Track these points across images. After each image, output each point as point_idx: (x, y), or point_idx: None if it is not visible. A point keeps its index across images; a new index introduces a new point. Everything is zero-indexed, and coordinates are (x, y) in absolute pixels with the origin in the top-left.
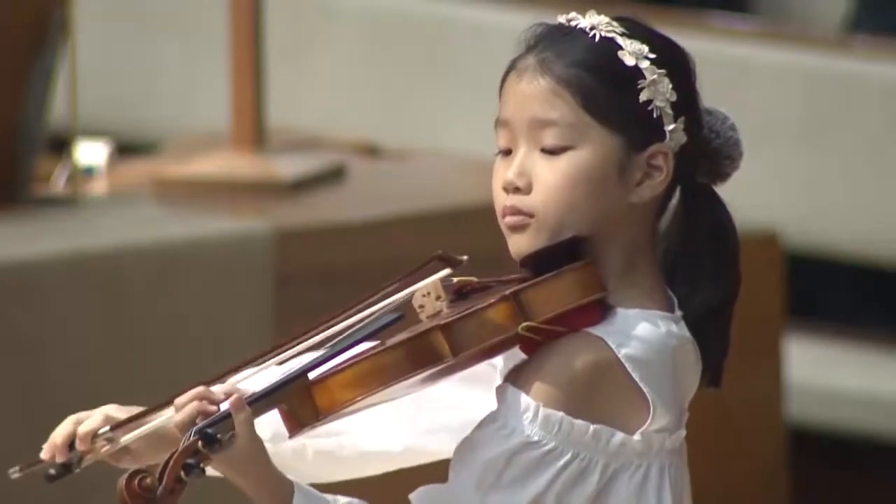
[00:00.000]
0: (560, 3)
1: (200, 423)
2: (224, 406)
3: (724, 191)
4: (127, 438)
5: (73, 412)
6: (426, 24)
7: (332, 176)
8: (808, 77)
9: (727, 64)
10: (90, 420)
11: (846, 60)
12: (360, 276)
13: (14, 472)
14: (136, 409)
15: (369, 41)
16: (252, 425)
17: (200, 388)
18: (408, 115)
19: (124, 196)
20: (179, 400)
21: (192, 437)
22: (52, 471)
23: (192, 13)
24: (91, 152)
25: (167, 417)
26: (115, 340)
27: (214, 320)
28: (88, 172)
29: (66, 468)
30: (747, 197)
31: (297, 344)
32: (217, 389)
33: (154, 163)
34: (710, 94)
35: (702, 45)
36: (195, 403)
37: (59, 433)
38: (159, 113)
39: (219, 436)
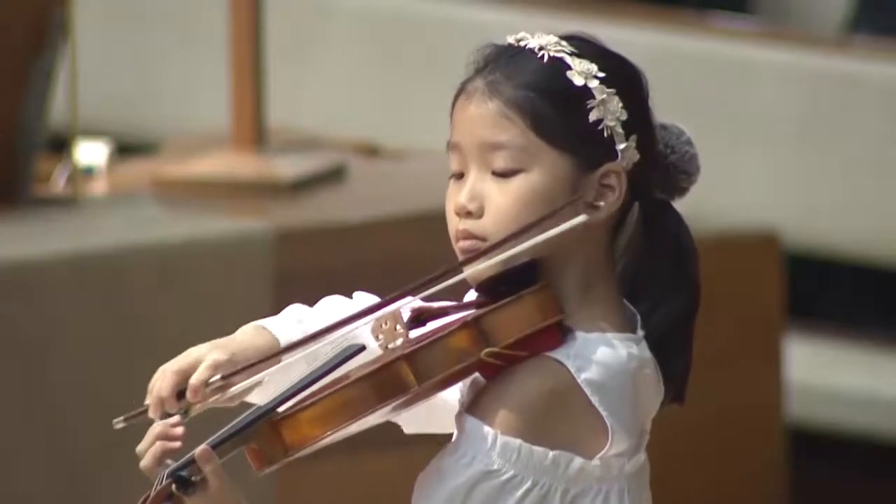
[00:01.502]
0: (559, 3)
1: (173, 466)
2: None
3: (725, 190)
4: (240, 386)
5: (73, 412)
6: (426, 24)
7: (332, 176)
8: (808, 77)
9: (728, 64)
10: (200, 371)
11: (846, 61)
12: (360, 276)
13: (118, 422)
14: (231, 350)
15: (369, 41)
16: (220, 476)
17: (157, 429)
18: (408, 115)
19: (124, 196)
20: (140, 447)
21: (164, 481)
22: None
23: (192, 13)
24: (91, 152)
25: (280, 366)
26: (115, 340)
27: (214, 320)
28: (88, 172)
29: (173, 417)
30: (747, 197)
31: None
32: (173, 421)
33: (154, 163)
34: (711, 95)
35: (702, 45)
36: (158, 444)
37: (165, 388)
38: (159, 113)
39: (193, 478)
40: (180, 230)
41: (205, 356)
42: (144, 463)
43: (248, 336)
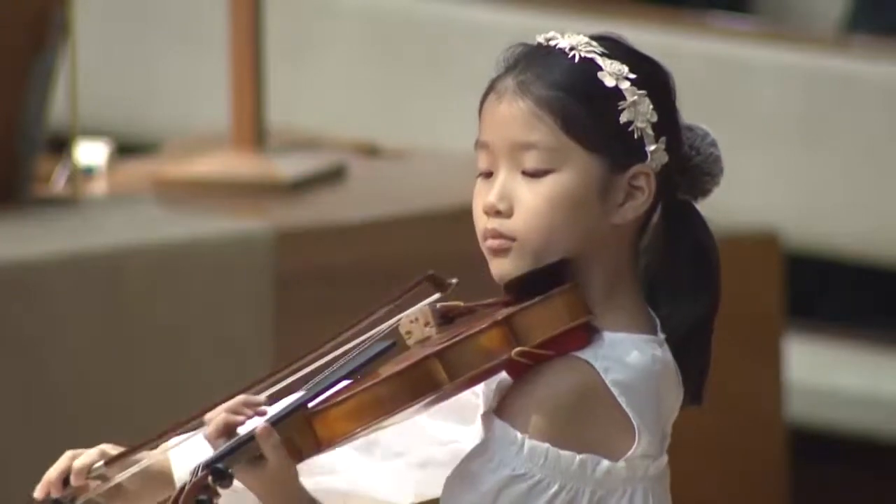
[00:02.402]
0: (560, 3)
1: (208, 458)
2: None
3: (725, 190)
4: (121, 476)
5: (73, 412)
6: (426, 24)
7: (332, 176)
8: (808, 77)
9: (728, 64)
10: (85, 455)
11: (846, 60)
12: (360, 276)
13: None
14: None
15: (369, 41)
16: (281, 448)
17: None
18: (408, 115)
19: (124, 196)
20: (211, 413)
21: (200, 473)
22: None
23: (192, 13)
24: (91, 152)
25: (159, 454)
26: (115, 340)
27: (214, 320)
28: (88, 172)
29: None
30: (747, 197)
31: (291, 372)
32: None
33: (154, 163)
34: (711, 95)
35: (702, 45)
36: (223, 416)
37: (55, 469)
38: (159, 113)
39: (230, 470)
40: (180, 230)
41: (99, 446)
42: (210, 429)
43: None
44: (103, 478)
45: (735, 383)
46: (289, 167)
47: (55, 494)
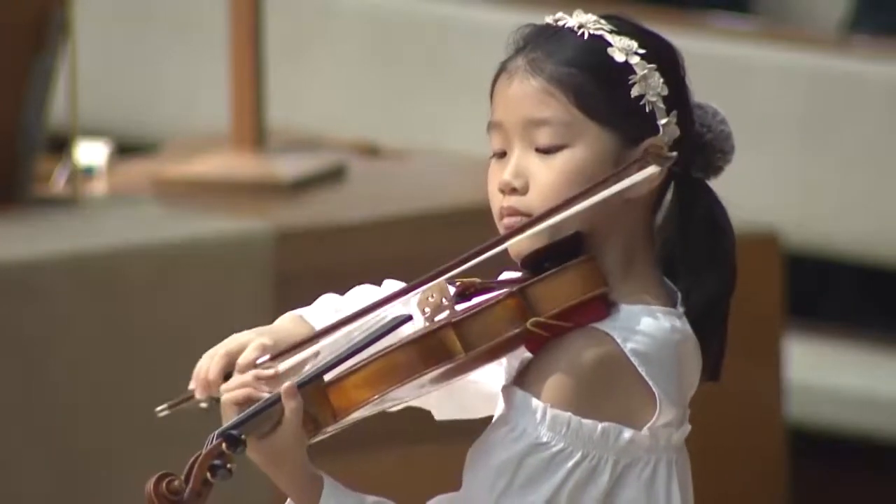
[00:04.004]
0: (561, 3)
1: (223, 427)
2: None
3: (724, 190)
4: (286, 364)
5: (74, 412)
6: (426, 24)
7: (332, 176)
8: (808, 77)
9: (728, 64)
10: (248, 352)
11: (846, 60)
12: (360, 276)
13: (162, 410)
14: (275, 335)
15: (369, 41)
16: (301, 416)
17: (251, 378)
18: (408, 115)
19: (124, 196)
20: (226, 384)
21: (215, 440)
22: (204, 405)
23: (193, 13)
24: (91, 152)
25: (322, 345)
26: (115, 340)
27: (214, 320)
28: (88, 172)
29: (219, 402)
30: (747, 197)
31: (306, 344)
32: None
33: (154, 163)
34: (711, 94)
35: (702, 45)
36: (245, 390)
37: (213, 370)
38: (159, 113)
39: (243, 436)
40: (180, 230)
41: (251, 340)
42: (225, 399)
43: (287, 324)
44: (269, 369)
45: (735, 383)
46: (289, 167)
47: (217, 394)
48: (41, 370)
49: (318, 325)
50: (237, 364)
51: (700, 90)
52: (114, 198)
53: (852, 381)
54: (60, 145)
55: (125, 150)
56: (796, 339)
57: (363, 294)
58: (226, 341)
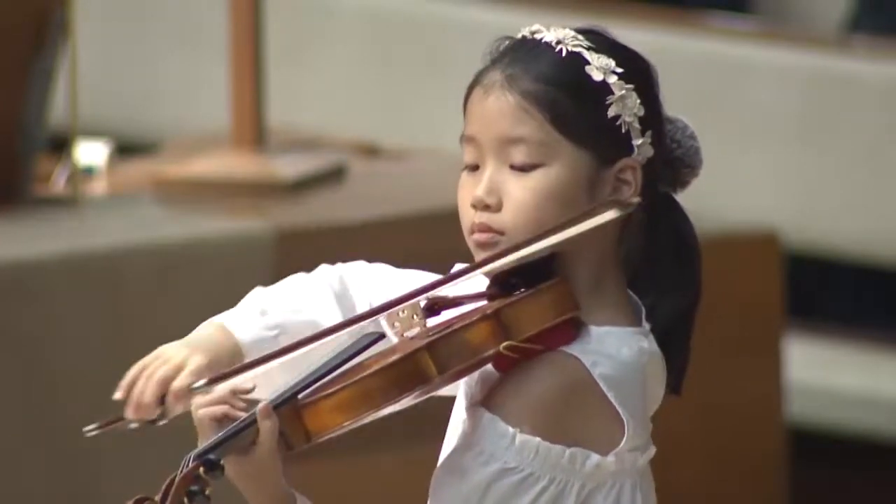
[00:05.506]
0: (560, 3)
1: (199, 448)
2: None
3: (725, 190)
4: (223, 388)
5: (73, 412)
6: (426, 24)
7: (332, 176)
8: (808, 77)
9: (727, 64)
10: (183, 377)
11: (846, 60)
12: None
13: (91, 430)
14: (208, 353)
15: (369, 41)
16: (276, 435)
17: (227, 393)
18: (408, 115)
19: (124, 196)
20: (203, 399)
21: (191, 463)
22: (135, 425)
23: (193, 13)
24: (91, 152)
25: (265, 368)
26: (115, 340)
27: None
28: (88, 172)
29: (152, 423)
30: (747, 197)
31: (277, 357)
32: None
33: (154, 163)
34: (711, 94)
35: (702, 45)
36: (220, 407)
37: (149, 394)
38: (159, 113)
39: (221, 461)
40: (180, 230)
41: (185, 361)
42: (202, 414)
43: (213, 334)
44: (202, 394)
45: (735, 383)
46: (289, 167)
47: (149, 417)
48: (40, 370)
49: (240, 334)
50: (171, 389)
51: (700, 90)
52: (114, 198)
53: (852, 381)
54: (60, 145)
55: (125, 150)
56: (796, 339)
57: (295, 288)
58: (158, 360)
